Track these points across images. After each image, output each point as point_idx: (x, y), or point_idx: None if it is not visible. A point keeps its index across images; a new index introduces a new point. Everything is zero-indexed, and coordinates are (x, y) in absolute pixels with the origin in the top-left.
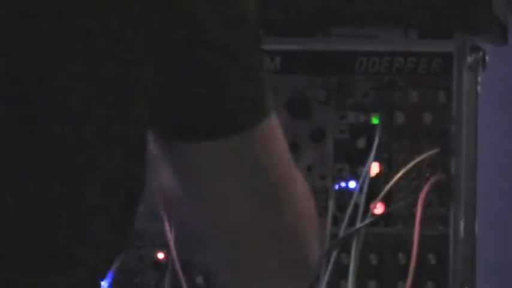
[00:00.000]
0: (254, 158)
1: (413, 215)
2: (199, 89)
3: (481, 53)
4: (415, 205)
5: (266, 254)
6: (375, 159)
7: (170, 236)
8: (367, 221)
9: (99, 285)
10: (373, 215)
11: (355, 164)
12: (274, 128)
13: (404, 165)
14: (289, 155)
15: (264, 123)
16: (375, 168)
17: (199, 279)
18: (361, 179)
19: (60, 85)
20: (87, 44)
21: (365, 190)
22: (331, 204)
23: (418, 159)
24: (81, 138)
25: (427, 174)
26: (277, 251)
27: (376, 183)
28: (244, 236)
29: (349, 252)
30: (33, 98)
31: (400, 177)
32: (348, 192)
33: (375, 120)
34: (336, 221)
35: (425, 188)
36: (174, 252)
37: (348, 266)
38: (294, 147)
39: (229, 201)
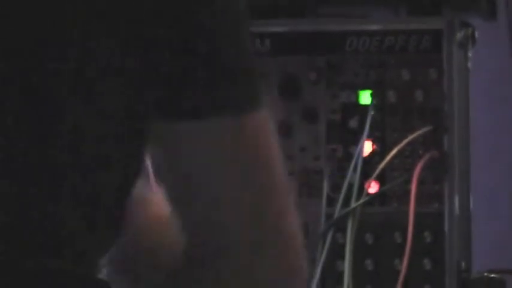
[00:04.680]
0: (247, 145)
1: (407, 193)
2: (192, 74)
3: (470, 29)
4: (409, 183)
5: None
6: (368, 139)
7: None
8: (362, 201)
9: (96, 271)
10: (368, 194)
11: (348, 143)
12: (267, 122)
13: (397, 143)
14: (281, 160)
15: (256, 112)
16: (368, 147)
17: None
18: (354, 159)
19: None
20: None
21: (359, 170)
22: (325, 185)
23: (411, 137)
24: (80, 135)
25: (421, 152)
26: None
27: (369, 163)
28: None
29: (344, 233)
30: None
31: (394, 156)
32: (342, 172)
33: (367, 100)
34: (331, 202)
35: (419, 166)
36: None
37: (343, 246)
38: (287, 129)
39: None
